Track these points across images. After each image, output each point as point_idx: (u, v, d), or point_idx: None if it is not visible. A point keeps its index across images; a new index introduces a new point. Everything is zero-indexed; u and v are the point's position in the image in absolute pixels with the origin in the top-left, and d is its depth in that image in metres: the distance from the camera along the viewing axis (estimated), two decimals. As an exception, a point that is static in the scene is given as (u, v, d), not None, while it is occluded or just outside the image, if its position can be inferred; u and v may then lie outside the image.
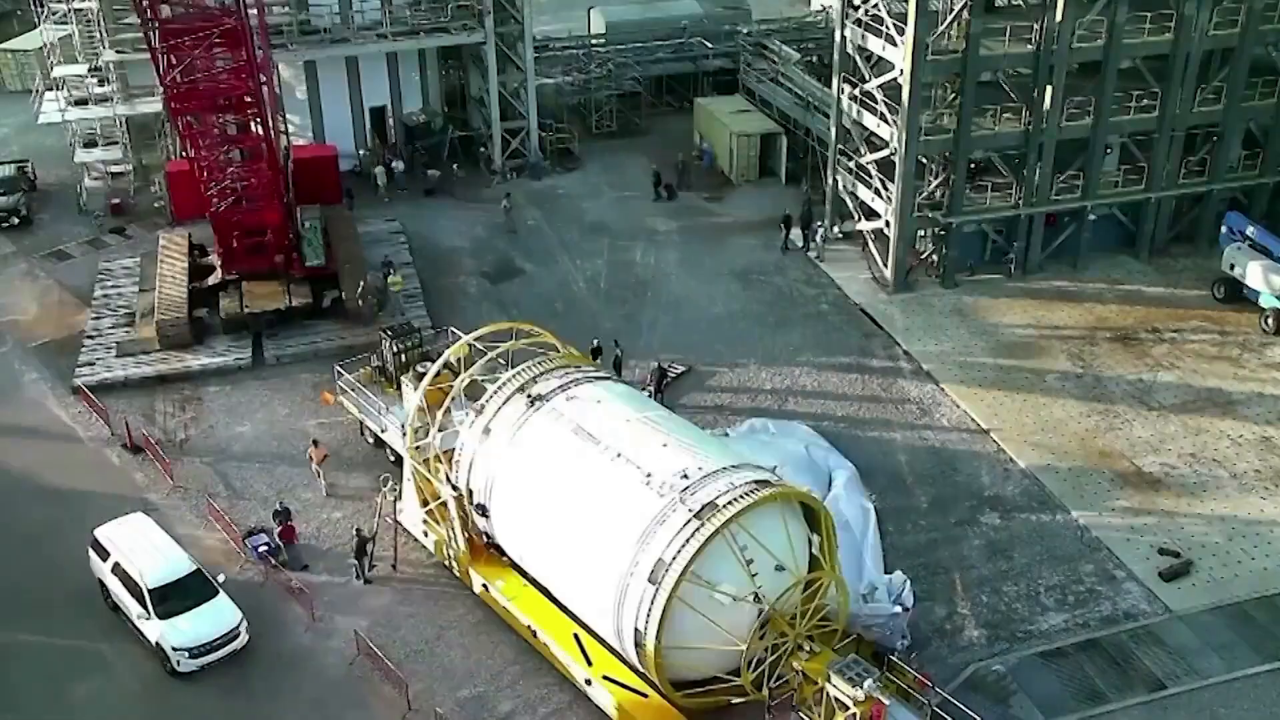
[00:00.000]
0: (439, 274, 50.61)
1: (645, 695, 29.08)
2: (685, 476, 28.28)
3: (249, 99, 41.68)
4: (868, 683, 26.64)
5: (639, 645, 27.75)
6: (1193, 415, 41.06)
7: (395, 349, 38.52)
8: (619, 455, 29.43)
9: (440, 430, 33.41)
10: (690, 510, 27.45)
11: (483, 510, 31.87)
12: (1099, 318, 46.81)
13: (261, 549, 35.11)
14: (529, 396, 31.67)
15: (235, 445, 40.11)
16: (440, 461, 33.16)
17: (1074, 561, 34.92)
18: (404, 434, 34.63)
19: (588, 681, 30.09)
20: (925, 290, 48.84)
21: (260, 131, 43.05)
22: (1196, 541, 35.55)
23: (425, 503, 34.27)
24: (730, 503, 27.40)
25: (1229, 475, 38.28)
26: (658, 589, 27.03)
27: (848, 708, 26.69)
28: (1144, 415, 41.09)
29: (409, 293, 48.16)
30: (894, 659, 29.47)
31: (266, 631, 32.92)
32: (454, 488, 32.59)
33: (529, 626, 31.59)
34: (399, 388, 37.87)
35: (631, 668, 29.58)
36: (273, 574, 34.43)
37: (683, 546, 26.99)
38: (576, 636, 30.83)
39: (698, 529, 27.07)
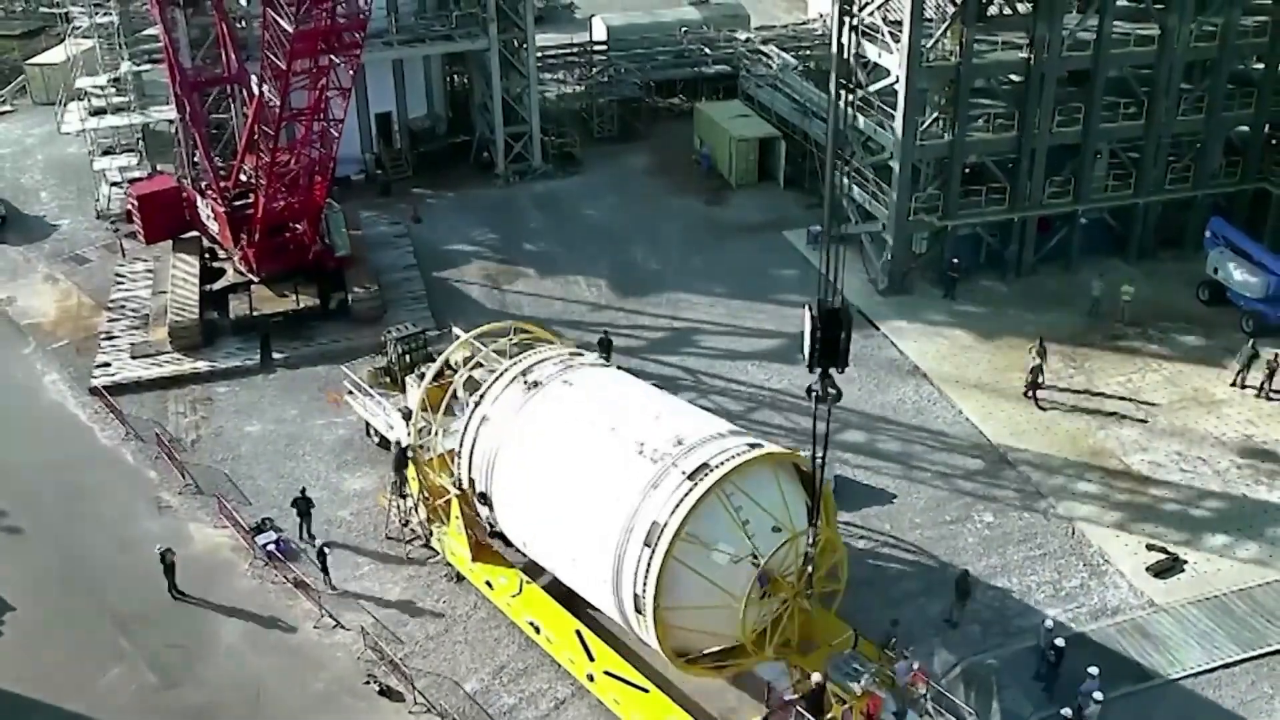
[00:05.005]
0: (443, 276, 51.55)
1: (646, 690, 29.42)
2: (679, 443, 28.48)
3: (360, 35, 42.22)
4: (864, 677, 27.33)
5: (639, 611, 27.72)
6: (1179, 414, 41.90)
7: (399, 350, 39.33)
8: (613, 429, 29.81)
9: (443, 431, 33.97)
10: (683, 472, 27.58)
11: (484, 498, 32.23)
12: (1090, 320, 47.55)
13: (270, 547, 35.92)
14: (526, 383, 32.01)
15: (244, 445, 41.00)
16: (445, 465, 33.69)
17: (1065, 558, 35.70)
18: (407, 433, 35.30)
19: (590, 677, 30.56)
20: (920, 292, 49.65)
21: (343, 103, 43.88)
22: (1183, 537, 36.38)
23: (428, 499, 34.84)
24: (723, 463, 27.60)
25: (1213, 472, 39.12)
26: (654, 551, 27.04)
27: (845, 702, 27.34)
28: (1133, 414, 41.92)
29: (414, 294, 49.14)
30: (890, 653, 30.01)
31: (275, 626, 33.78)
32: (458, 487, 33.22)
33: (531, 622, 32.16)
34: (403, 388, 38.62)
35: (634, 664, 30.02)
36: (282, 570, 35.29)
37: (676, 507, 27.06)
38: (579, 633, 31.25)
39: (691, 489, 27.19)
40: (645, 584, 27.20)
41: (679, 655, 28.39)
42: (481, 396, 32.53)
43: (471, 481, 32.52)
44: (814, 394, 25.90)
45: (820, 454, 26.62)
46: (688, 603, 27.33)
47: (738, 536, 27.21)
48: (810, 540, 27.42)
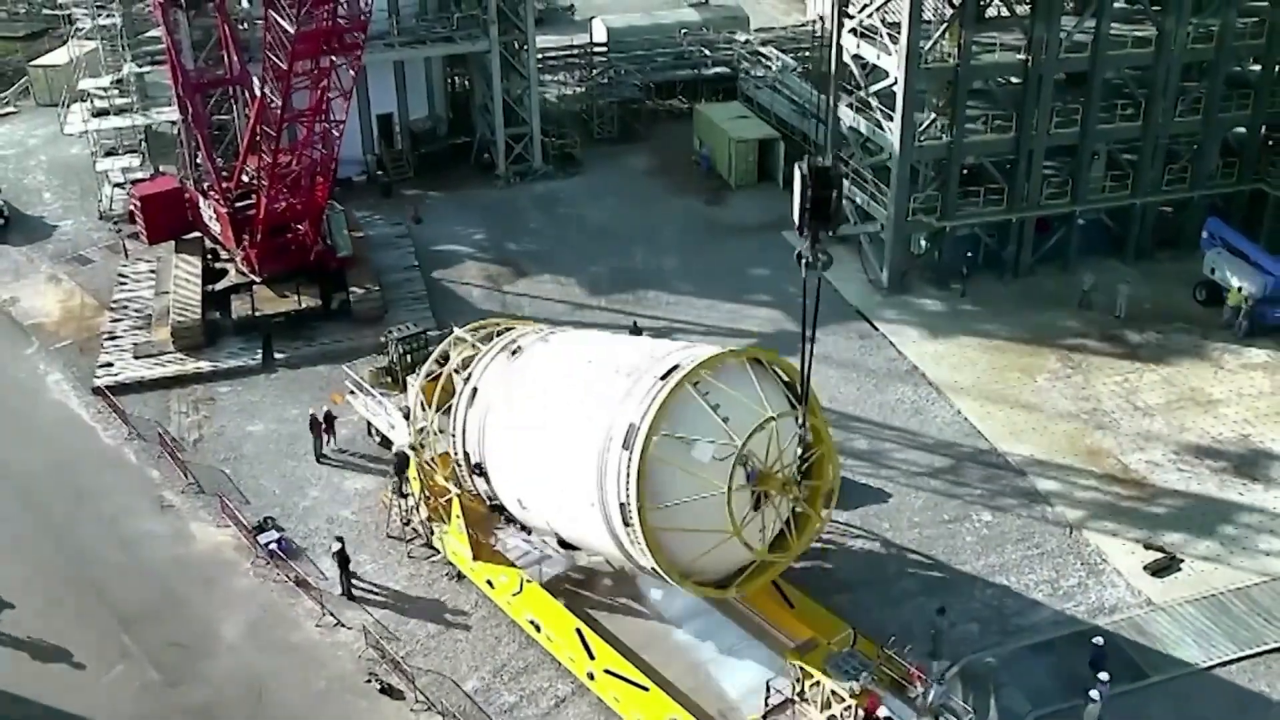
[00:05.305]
0: (444, 276, 51.77)
1: (646, 689, 29.51)
2: (652, 356, 28.86)
3: (361, 36, 42.48)
4: (864, 675, 27.48)
5: (627, 523, 27.52)
6: (1176, 414, 42.08)
7: (400, 350, 39.55)
8: (590, 361, 30.34)
9: (439, 431, 34.05)
10: (655, 376, 27.72)
11: (480, 470, 32.38)
12: (1087, 320, 47.78)
13: (271, 546, 36.12)
14: (510, 352, 32.47)
15: (246, 445, 41.20)
16: (444, 464, 33.90)
17: (1063, 556, 35.88)
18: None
19: (590, 675, 30.72)
20: (919, 292, 49.85)
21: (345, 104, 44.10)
22: (1180, 536, 36.55)
23: (430, 498, 35.10)
24: (693, 360, 27.81)
25: (1210, 472, 39.31)
26: (631, 451, 27.03)
27: (844, 700, 27.53)
28: (1130, 414, 42.10)
29: (415, 294, 49.35)
30: (889, 651, 30.10)
31: (277, 625, 33.98)
32: (457, 484, 33.42)
33: (531, 621, 32.37)
34: (405, 388, 38.76)
35: (635, 662, 30.12)
36: (284, 569, 35.48)
37: (649, 406, 27.15)
38: (579, 632, 31.40)
39: (662, 387, 27.31)
40: (628, 488, 27.11)
41: (674, 569, 28.10)
42: (470, 373, 32.84)
43: (467, 456, 32.65)
44: (803, 260, 24.49)
45: (810, 328, 25.69)
46: (673, 499, 27.18)
47: (714, 427, 27.11)
48: (799, 421, 27.17)
